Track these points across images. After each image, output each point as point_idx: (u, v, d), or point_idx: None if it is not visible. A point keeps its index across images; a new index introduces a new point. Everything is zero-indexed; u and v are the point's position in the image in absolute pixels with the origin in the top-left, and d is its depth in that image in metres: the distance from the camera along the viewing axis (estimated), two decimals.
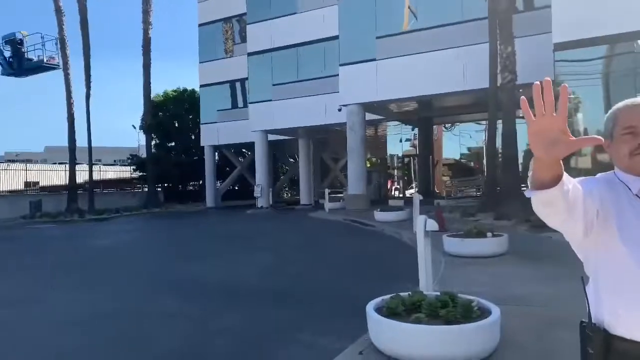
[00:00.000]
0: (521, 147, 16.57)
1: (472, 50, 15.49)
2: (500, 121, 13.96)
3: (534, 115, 1.12)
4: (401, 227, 12.06)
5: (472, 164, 26.63)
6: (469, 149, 26.49)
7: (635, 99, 1.38)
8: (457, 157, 26.55)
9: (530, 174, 1.23)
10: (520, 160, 17.65)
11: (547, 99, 1.09)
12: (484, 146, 22.36)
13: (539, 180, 1.18)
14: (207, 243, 12.68)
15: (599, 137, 1.15)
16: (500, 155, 14.72)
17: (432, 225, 4.97)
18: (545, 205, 1.22)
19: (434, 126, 24.25)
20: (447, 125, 25.46)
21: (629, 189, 1.32)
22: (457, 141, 24.98)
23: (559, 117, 1.10)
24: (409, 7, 17.32)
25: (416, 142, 24.92)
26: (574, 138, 1.12)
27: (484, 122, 19.34)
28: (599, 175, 1.40)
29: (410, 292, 3.93)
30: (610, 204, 1.29)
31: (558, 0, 10.87)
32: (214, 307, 5.88)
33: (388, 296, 3.94)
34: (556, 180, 1.17)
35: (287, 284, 7.06)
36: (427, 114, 22.44)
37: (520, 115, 15.10)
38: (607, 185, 1.34)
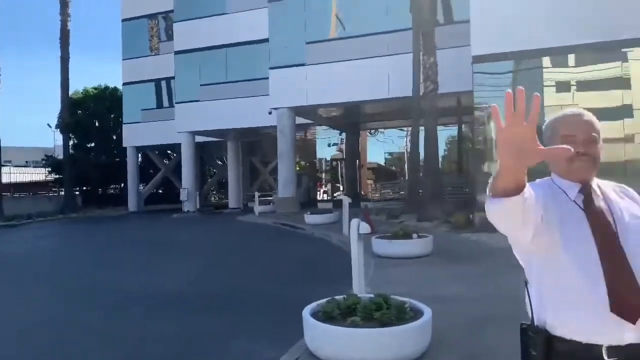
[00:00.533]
0: (441, 152, 17.50)
1: (397, 60, 16.13)
2: (422, 128, 14.66)
3: (505, 123, 1.12)
4: (331, 230, 12.31)
5: (394, 168, 27.61)
6: (391, 154, 27.42)
7: (573, 110, 1.47)
8: (381, 161, 27.42)
9: (491, 181, 1.24)
10: (441, 164, 18.63)
11: (519, 107, 1.10)
12: (406, 151, 23.35)
13: (502, 188, 1.20)
14: (129, 249, 12.22)
15: (568, 147, 1.16)
16: (422, 160, 15.47)
17: (365, 228, 5.19)
18: (503, 213, 1.24)
19: (360, 131, 24.91)
20: (371, 131, 26.24)
21: (567, 194, 1.40)
22: (381, 146, 25.81)
23: (529, 125, 1.11)
24: (336, 15, 17.72)
25: (343, 146, 25.46)
26: (543, 147, 1.15)
27: (407, 128, 20.15)
28: (538, 180, 1.46)
29: (345, 295, 4.08)
30: (552, 210, 1.34)
31: (476, 15, 11.60)
32: (139, 317, 5.70)
33: (324, 300, 4.06)
34: (519, 189, 1.19)
35: (218, 290, 6.99)
36: (354, 120, 23.03)
37: (441, 122, 15.89)
38: (548, 190, 1.40)
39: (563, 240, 1.33)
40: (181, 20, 23.42)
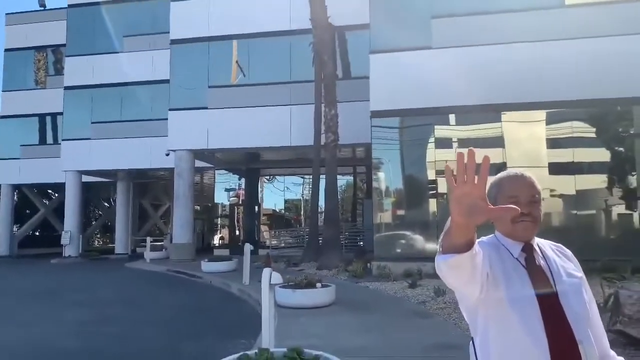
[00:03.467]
0: (340, 201, 18.04)
1: (299, 109, 16.59)
2: (323, 177, 15.04)
3: (456, 182, 1.17)
4: (229, 278, 11.91)
5: (292, 215, 27.87)
6: (289, 201, 27.73)
7: (517, 171, 1.54)
8: (280, 208, 27.56)
9: (442, 237, 1.27)
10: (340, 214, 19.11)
11: (469, 167, 1.15)
12: (302, 199, 23.75)
13: (451, 244, 1.24)
14: (1, 300, 10.80)
15: (515, 207, 1.20)
16: (321, 208, 15.80)
17: (277, 278, 5.12)
18: (452, 268, 1.27)
19: (260, 177, 24.95)
20: (269, 177, 26.42)
21: (510, 252, 1.47)
22: (280, 193, 26.14)
23: (479, 184, 1.16)
24: (237, 62, 17.93)
25: (242, 191, 25.26)
26: (492, 206, 1.20)
27: (306, 176, 20.57)
28: (483, 238, 1.53)
29: (256, 350, 3.93)
30: (498, 266, 1.41)
31: (374, 73, 12.39)
32: None
33: (234, 356, 3.88)
34: (470, 245, 1.23)
35: (107, 347, 6.37)
36: (254, 165, 23.04)
37: (341, 172, 16.41)
38: (493, 248, 1.47)
39: (508, 298, 1.39)
40: (74, 55, 22.17)
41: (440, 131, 12.49)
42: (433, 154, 12.38)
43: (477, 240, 1.36)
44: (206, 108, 17.85)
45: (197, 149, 18.12)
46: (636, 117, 11.40)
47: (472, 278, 1.32)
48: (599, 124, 11.69)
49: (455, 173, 1.18)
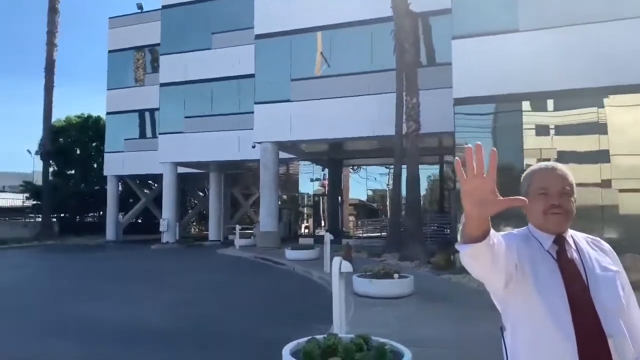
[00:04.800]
0: (422, 192, 17.72)
1: (380, 99, 16.44)
2: (404, 167, 14.83)
3: (466, 176, 1.22)
4: (312, 266, 12.20)
5: (376, 205, 27.74)
6: (374, 191, 27.61)
7: (548, 163, 1.56)
8: (363, 198, 27.55)
9: (460, 228, 1.33)
10: (422, 204, 18.77)
11: (478, 161, 1.21)
12: (388, 189, 23.53)
13: (468, 234, 1.29)
14: (105, 281, 11.91)
15: (523, 198, 1.27)
16: (404, 199, 15.58)
17: (347, 267, 5.17)
18: (473, 257, 1.32)
19: (343, 167, 25.08)
20: (354, 167, 26.45)
21: (542, 244, 1.47)
22: (364, 183, 25.97)
23: (488, 178, 1.22)
24: (321, 54, 18.11)
25: (326, 182, 25.55)
26: (502, 198, 1.23)
27: (390, 165, 20.35)
28: (515, 230, 1.55)
29: (325, 335, 4.03)
30: (526, 258, 1.43)
31: (457, 60, 11.96)
32: (111, 352, 5.55)
33: (304, 339, 4.00)
34: (484, 235, 1.28)
35: (194, 327, 6.82)
36: (337, 156, 23.22)
37: (423, 162, 16.09)
38: (524, 240, 1.48)
39: (536, 290, 1.40)
40: (167, 54, 23.64)
41: (530, 117, 11.79)
42: (522, 141, 11.74)
43: (507, 232, 1.42)
44: (289, 101, 18.27)
45: (281, 140, 18.64)
46: None
47: (493, 268, 1.35)
48: None
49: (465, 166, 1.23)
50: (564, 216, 1.48)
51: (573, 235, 1.52)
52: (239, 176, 29.60)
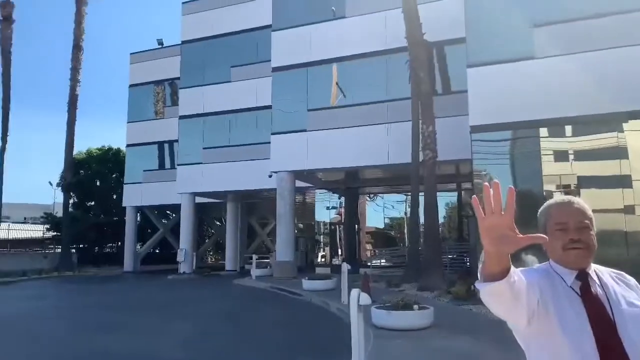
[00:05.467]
0: (440, 219, 17.48)
1: (396, 127, 16.48)
2: (422, 195, 14.70)
3: (484, 213, 1.22)
4: (329, 297, 12.03)
5: (394, 233, 27.46)
6: (391, 219, 27.38)
7: (564, 197, 1.54)
8: (380, 226, 27.32)
9: (480, 265, 1.31)
10: (441, 232, 18.52)
11: (496, 199, 1.21)
12: (405, 217, 23.30)
13: (488, 272, 1.28)
14: (121, 312, 11.88)
15: (543, 236, 1.27)
16: (422, 226, 15.39)
17: (365, 299, 5.08)
18: (493, 296, 1.31)
19: (360, 196, 25.00)
20: (370, 195, 26.33)
21: (564, 280, 1.43)
22: (381, 211, 25.80)
23: (506, 215, 1.21)
24: (336, 84, 18.32)
25: (342, 210, 25.45)
26: (521, 235, 1.23)
27: (407, 193, 20.23)
28: (536, 265, 1.52)
29: None
30: (549, 295, 1.40)
31: (473, 87, 11.97)
32: None
33: None
34: (504, 273, 1.26)
35: (210, 359, 6.73)
36: (353, 184, 23.19)
37: (440, 189, 15.95)
38: (545, 276, 1.45)
39: (561, 327, 1.36)
40: (187, 87, 24.16)
41: (548, 143, 11.68)
42: (541, 167, 11.61)
43: (528, 268, 1.40)
44: (305, 130, 18.41)
45: (297, 169, 18.71)
46: None
47: (514, 305, 1.33)
48: None
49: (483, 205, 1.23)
50: (584, 251, 1.44)
51: (596, 270, 1.47)
52: (255, 205, 29.69)
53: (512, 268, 1.28)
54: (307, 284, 14.17)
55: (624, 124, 10.72)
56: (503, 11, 11.87)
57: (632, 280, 1.49)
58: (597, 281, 1.43)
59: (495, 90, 11.73)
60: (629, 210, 10.49)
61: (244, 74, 22.58)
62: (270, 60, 19.60)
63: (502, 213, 1.21)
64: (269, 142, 19.18)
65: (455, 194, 22.84)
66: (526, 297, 1.34)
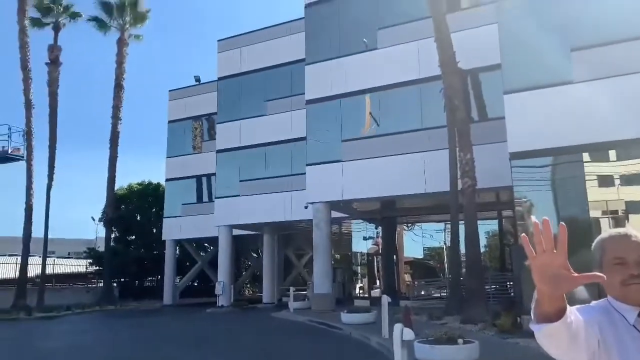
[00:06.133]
0: (481, 248, 17.03)
1: (432, 155, 16.31)
2: (462, 224, 14.38)
3: (535, 252, 1.17)
4: (369, 331, 11.77)
5: (433, 263, 26.87)
6: (430, 249, 26.87)
7: (619, 229, 1.45)
8: (419, 257, 26.81)
9: (533, 305, 1.25)
10: (482, 261, 18.00)
11: (546, 236, 1.16)
12: (445, 246, 22.78)
13: (542, 313, 1.22)
14: (162, 346, 11.93)
15: (601, 274, 1.21)
16: (463, 256, 15.01)
17: (409, 334, 4.93)
18: (549, 337, 1.24)
19: (397, 225, 24.68)
20: (408, 225, 25.95)
21: (625, 318, 1.34)
22: (419, 241, 25.35)
23: (559, 254, 1.17)
24: (370, 114, 18.39)
25: (380, 240, 25.15)
26: (576, 274, 1.17)
27: (447, 222, 19.84)
28: (594, 302, 1.43)
29: None
30: (610, 334, 1.32)
31: (510, 114, 11.77)
32: None
33: None
34: (560, 313, 1.20)
35: None
36: (390, 214, 22.94)
37: (480, 217, 15.59)
38: (604, 313, 1.37)
39: None
40: (224, 122, 24.75)
41: (592, 168, 11.33)
42: (586, 193, 11.21)
43: (585, 305, 1.33)
44: (340, 161, 18.46)
45: (333, 200, 18.69)
46: None
47: (573, 347, 1.27)
48: None
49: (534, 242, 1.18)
50: None
51: None
52: (291, 236, 29.73)
53: (568, 307, 1.22)
54: (346, 317, 13.92)
55: None
56: (538, 36, 11.74)
57: None
58: None
59: (534, 116, 11.51)
60: None
61: (279, 107, 23.00)
62: (304, 93, 19.92)
63: (554, 251, 1.17)
64: (305, 173, 19.32)
65: (496, 221, 22.25)
66: (585, 338, 1.26)
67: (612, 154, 11.23)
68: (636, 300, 1.35)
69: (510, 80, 11.86)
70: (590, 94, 10.75)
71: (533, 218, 1.18)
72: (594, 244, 1.48)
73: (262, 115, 23.53)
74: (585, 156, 11.30)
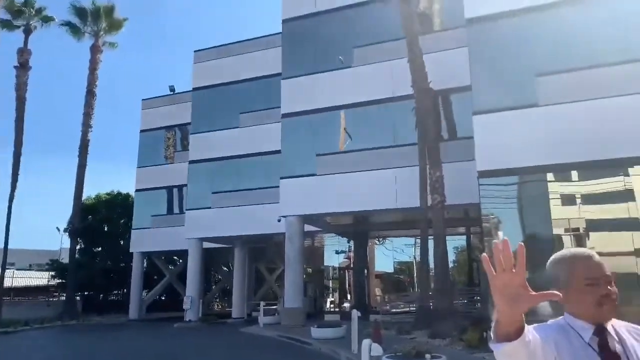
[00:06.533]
0: (450, 264, 17.37)
1: (404, 172, 16.61)
2: (431, 239, 14.66)
3: (495, 272, 1.21)
4: (339, 346, 11.82)
5: (404, 278, 27.13)
6: (400, 263, 27.15)
7: (583, 250, 1.52)
8: (390, 270, 27.06)
9: (493, 325, 1.29)
10: (451, 276, 18.31)
11: (506, 256, 1.20)
12: (415, 261, 23.09)
13: (502, 333, 1.25)
14: None
15: (557, 293, 1.26)
16: (432, 271, 15.26)
17: (377, 350, 5.03)
18: (508, 356, 1.27)
19: (369, 240, 24.90)
20: (379, 239, 26.19)
21: (581, 336, 1.41)
22: (390, 255, 25.63)
23: (517, 273, 1.21)
24: (344, 129, 18.65)
25: (351, 254, 25.31)
26: (534, 293, 1.22)
27: (416, 237, 20.14)
28: (550, 321, 1.49)
29: None
30: (566, 352, 1.37)
31: (479, 134, 12.15)
32: None
33: None
34: (519, 333, 1.24)
35: None
36: (362, 228, 23.16)
37: (449, 233, 15.93)
38: (561, 332, 1.43)
39: None
40: (197, 133, 24.62)
41: (555, 187, 11.78)
42: (550, 211, 11.66)
43: (541, 324, 1.38)
44: (314, 175, 18.59)
45: (306, 214, 18.76)
46: None
47: None
48: None
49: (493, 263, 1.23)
50: (615, 304, 1.43)
51: (614, 324, 1.45)
52: (263, 250, 29.57)
53: (526, 326, 1.27)
54: (316, 332, 13.94)
55: (629, 169, 10.83)
56: (506, 61, 12.21)
57: None
58: (615, 337, 1.42)
59: (501, 136, 11.91)
60: (639, 252, 10.46)
61: (254, 119, 23.03)
62: (279, 107, 20.04)
63: (513, 271, 1.21)
64: (278, 186, 19.35)
65: (465, 237, 22.73)
66: (542, 356, 1.31)
67: (574, 174, 11.68)
68: (606, 319, 1.43)
69: (480, 102, 12.26)
70: (553, 117, 11.23)
71: (498, 238, 1.28)
72: (553, 263, 1.54)
73: (236, 127, 23.51)
74: (549, 176, 11.75)
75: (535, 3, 12.04)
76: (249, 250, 26.16)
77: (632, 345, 1.40)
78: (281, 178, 19.25)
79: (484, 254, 1.28)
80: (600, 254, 1.58)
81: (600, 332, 1.41)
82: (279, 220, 19.40)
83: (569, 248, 1.56)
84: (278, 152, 19.81)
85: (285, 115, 19.72)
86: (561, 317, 1.51)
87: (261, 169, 22.22)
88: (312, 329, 14.18)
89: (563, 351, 1.37)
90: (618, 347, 1.39)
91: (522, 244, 1.22)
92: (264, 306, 19.90)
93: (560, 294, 1.25)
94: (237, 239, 24.28)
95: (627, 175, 10.94)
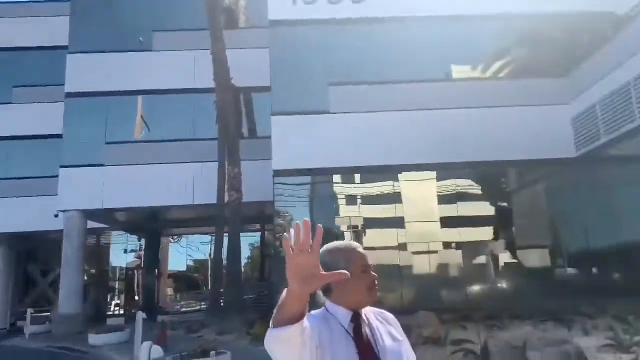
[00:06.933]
0: (244, 260, 17.64)
1: (202, 167, 16.25)
2: (226, 235, 14.64)
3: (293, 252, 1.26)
4: (121, 352, 10.88)
5: (198, 276, 26.72)
6: (195, 261, 26.67)
7: (352, 242, 1.67)
8: (183, 269, 26.34)
9: (275, 312, 1.32)
10: (244, 272, 18.61)
11: (305, 237, 1.25)
12: (209, 259, 22.88)
13: (286, 315, 1.29)
14: None
15: (345, 272, 1.33)
16: (225, 268, 15.24)
17: (158, 351, 4.70)
18: (284, 342, 1.31)
19: (162, 237, 23.77)
20: (174, 237, 25.30)
21: (340, 323, 1.53)
22: (184, 253, 24.95)
23: (312, 253, 1.26)
24: (141, 117, 17.43)
25: (142, 253, 23.85)
26: (325, 272, 1.29)
27: (212, 234, 19.92)
28: (313, 312, 1.56)
29: None
30: (326, 339, 1.47)
31: (276, 134, 12.55)
32: None
33: None
34: (302, 316, 1.31)
35: None
36: (154, 225, 21.94)
37: (245, 230, 16.19)
38: (323, 321, 1.52)
39: None
40: None
41: (340, 189, 12.88)
42: (336, 209, 12.72)
43: (307, 314, 1.41)
44: (103, 165, 16.90)
45: (90, 208, 16.91)
46: (510, 176, 12.70)
47: (301, 352, 1.36)
48: (481, 183, 12.78)
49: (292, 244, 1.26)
50: (376, 289, 1.59)
51: (364, 311, 1.60)
52: (35, 249, 25.83)
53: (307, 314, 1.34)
54: (93, 338, 12.58)
55: (398, 175, 12.47)
56: (303, 66, 12.87)
57: (390, 315, 1.67)
58: (366, 321, 1.57)
59: (296, 138, 12.50)
60: (402, 247, 12.15)
61: (31, 96, 19.91)
62: (63, 84, 17.65)
63: (309, 251, 1.26)
64: (57, 176, 16.99)
65: (259, 234, 23.34)
66: (310, 344, 1.39)
67: (357, 177, 12.93)
68: (373, 302, 1.59)
69: (278, 103, 12.67)
70: (341, 124, 12.26)
71: (290, 234, 1.24)
72: (329, 252, 1.61)
73: (9, 103, 20.02)
74: (336, 177, 12.78)
75: (333, 16, 12.95)
76: (17, 250, 22.54)
77: (378, 327, 1.58)
78: (61, 167, 16.99)
79: (285, 233, 1.31)
80: (372, 248, 1.74)
81: (356, 318, 1.55)
82: (56, 216, 17.13)
83: (336, 241, 1.69)
84: (60, 136, 17.45)
85: (69, 95, 17.47)
86: (322, 308, 1.60)
87: (36, 155, 19.31)
88: (90, 335, 12.79)
89: (324, 339, 1.46)
90: (368, 331, 1.55)
91: (321, 226, 1.30)
92: (32, 313, 17.28)
93: (348, 273, 1.32)
94: (1, 236, 20.69)
95: (397, 180, 12.57)
